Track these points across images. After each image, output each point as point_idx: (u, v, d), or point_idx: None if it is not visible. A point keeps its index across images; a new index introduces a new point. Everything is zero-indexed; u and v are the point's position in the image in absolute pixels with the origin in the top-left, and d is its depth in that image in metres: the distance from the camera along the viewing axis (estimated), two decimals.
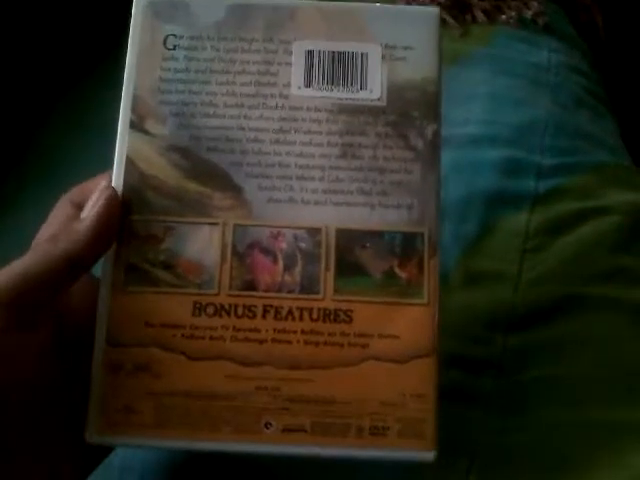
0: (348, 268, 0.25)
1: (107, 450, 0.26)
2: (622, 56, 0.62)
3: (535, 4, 0.48)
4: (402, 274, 0.25)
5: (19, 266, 0.23)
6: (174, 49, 0.26)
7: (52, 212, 0.27)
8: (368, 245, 0.25)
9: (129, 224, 0.25)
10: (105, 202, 0.24)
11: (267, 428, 0.24)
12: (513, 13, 0.47)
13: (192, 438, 0.24)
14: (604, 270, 0.34)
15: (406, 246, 0.25)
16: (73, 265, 0.23)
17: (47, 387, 0.24)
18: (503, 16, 0.47)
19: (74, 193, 0.27)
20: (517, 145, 0.39)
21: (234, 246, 0.25)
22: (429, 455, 0.24)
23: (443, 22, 0.46)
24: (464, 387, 0.31)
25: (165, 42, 0.26)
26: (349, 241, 0.25)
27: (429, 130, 0.26)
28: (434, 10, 0.27)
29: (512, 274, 0.34)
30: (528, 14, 0.48)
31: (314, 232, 0.25)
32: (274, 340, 0.24)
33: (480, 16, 0.47)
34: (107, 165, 0.26)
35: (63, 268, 0.23)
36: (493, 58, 0.44)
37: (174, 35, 0.27)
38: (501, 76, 0.43)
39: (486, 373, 0.32)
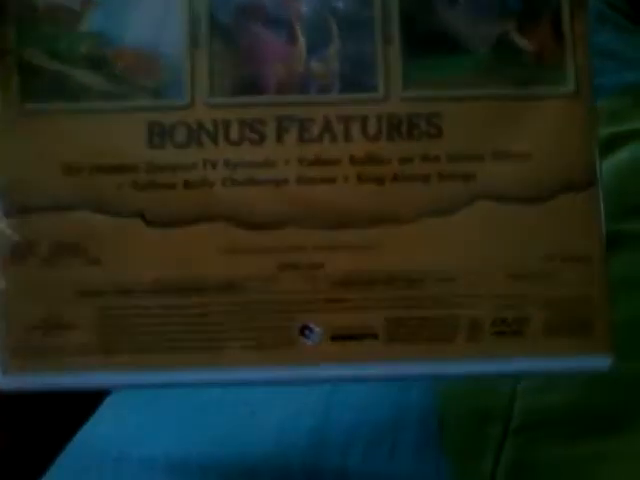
0: (426, 41, 0.14)
1: None
2: None
3: None
4: (527, 45, 0.14)
5: None
6: None
7: None
8: None
9: None
10: None
11: (305, 336, 0.13)
12: None
13: (169, 365, 0.13)
14: None
15: None
16: None
17: None
18: None
19: None
20: None
21: (212, 16, 0.14)
22: (603, 362, 0.13)
23: None
24: None
25: None
26: None
27: None
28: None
29: None
30: None
31: None
32: (301, 180, 0.13)
33: None
34: None
35: None
36: None
37: None
38: None
39: None
